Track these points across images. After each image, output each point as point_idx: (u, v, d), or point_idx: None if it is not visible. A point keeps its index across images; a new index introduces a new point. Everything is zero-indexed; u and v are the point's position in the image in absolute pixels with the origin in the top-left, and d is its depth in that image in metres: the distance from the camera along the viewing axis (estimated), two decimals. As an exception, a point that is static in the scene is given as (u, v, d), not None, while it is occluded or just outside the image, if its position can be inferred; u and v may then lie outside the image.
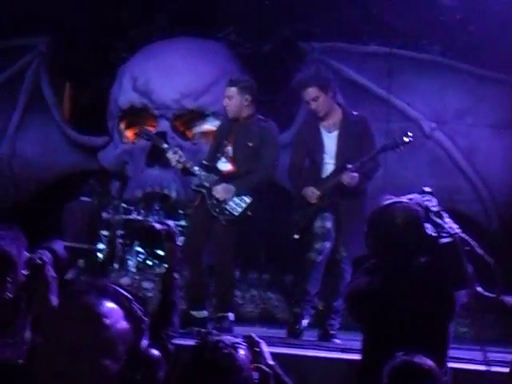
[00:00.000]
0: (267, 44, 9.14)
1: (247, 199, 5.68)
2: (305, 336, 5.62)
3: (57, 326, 1.63)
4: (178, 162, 5.73)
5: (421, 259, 3.22)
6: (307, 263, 5.63)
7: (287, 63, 8.69)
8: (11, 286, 3.01)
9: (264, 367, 2.33)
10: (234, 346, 2.21)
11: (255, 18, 9.12)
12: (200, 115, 9.12)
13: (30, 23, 9.10)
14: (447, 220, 3.30)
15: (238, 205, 5.67)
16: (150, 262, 9.12)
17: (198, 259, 5.69)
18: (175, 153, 5.77)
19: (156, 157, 8.19)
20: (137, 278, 8.63)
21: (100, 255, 9.10)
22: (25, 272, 3.05)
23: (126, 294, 1.69)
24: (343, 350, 4.72)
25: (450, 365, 3.44)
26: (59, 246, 3.18)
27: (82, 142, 9.54)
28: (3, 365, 2.71)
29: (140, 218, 9.02)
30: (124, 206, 9.09)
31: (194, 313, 5.58)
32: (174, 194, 8.97)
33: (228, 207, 5.66)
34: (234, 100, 5.75)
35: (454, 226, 3.29)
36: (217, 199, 5.68)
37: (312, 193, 5.66)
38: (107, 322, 1.61)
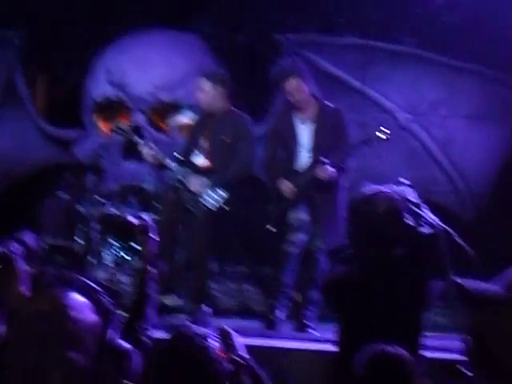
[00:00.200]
0: (242, 36, 9.12)
1: (222, 192, 5.66)
2: (281, 327, 5.62)
3: (25, 319, 1.61)
4: (153, 156, 5.70)
5: (400, 249, 3.22)
6: (282, 255, 5.63)
7: (262, 55, 8.67)
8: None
9: (238, 359, 2.32)
10: (209, 338, 2.20)
11: (230, 10, 9.10)
12: (175, 108, 9.08)
13: (3, 16, 9.01)
14: (427, 211, 3.31)
15: (212, 198, 5.65)
16: (126, 256, 9.08)
17: (170, 250, 5.67)
18: (149, 147, 5.74)
19: (131, 150, 8.14)
20: (113, 272, 8.58)
21: (76, 250, 9.04)
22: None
23: (94, 286, 1.67)
24: (319, 341, 4.72)
25: (426, 354, 3.45)
26: (30, 237, 3.15)
27: (56, 136, 9.46)
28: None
29: (116, 211, 8.97)
30: (100, 199, 9.04)
31: (166, 301, 5.56)
32: (149, 188, 8.93)
33: (203, 200, 5.64)
34: (208, 94, 5.73)
35: (434, 217, 3.30)
36: (192, 192, 5.66)
37: (287, 186, 5.65)
38: (75, 314, 1.59)
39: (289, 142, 5.80)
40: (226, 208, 5.66)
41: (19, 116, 9.40)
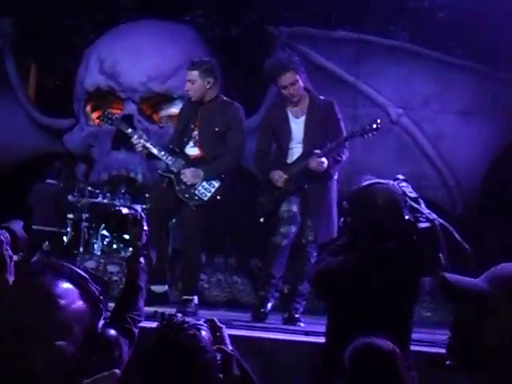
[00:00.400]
0: (235, 28, 9.11)
1: (216, 183, 5.64)
2: (269, 319, 5.63)
3: (11, 307, 1.59)
4: (143, 146, 5.67)
5: (395, 242, 3.23)
6: (272, 247, 5.62)
7: (255, 47, 8.67)
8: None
9: (227, 349, 2.32)
10: (198, 328, 2.20)
11: (223, 1, 9.08)
12: (167, 98, 9.07)
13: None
14: (424, 206, 3.32)
15: (207, 189, 5.63)
16: (115, 246, 9.08)
17: (159, 239, 5.65)
18: (140, 137, 5.71)
19: (122, 140, 8.13)
20: (102, 261, 8.58)
21: (65, 238, 9.04)
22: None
23: (82, 273, 1.66)
24: (307, 334, 4.72)
25: (414, 348, 3.46)
26: (18, 225, 3.14)
27: (47, 125, 9.44)
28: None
29: (106, 201, 8.96)
30: (90, 189, 9.03)
31: (154, 288, 5.56)
32: (140, 178, 8.93)
33: (197, 192, 5.62)
34: (196, 84, 5.68)
35: (431, 212, 3.31)
36: (185, 184, 5.64)
37: (279, 176, 5.64)
38: (62, 302, 1.58)
39: (281, 134, 5.78)
40: (219, 199, 5.64)
41: (10, 105, 9.37)
